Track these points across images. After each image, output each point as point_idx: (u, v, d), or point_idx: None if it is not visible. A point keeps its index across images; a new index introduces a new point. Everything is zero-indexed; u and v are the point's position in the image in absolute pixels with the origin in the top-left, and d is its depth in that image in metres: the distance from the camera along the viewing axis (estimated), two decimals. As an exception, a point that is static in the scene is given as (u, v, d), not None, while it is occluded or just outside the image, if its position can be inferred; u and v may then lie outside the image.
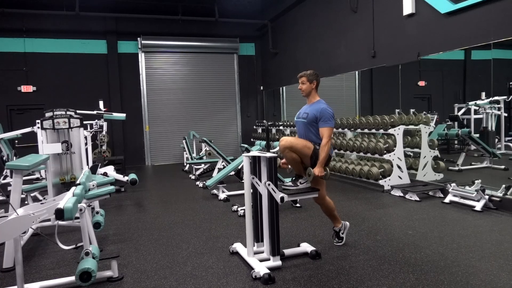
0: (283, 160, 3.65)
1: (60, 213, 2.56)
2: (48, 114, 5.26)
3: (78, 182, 3.60)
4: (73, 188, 3.13)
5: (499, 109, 8.24)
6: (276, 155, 3.09)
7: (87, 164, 6.40)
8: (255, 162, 3.35)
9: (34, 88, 10.15)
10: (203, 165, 8.83)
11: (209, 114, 12.05)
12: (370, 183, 6.56)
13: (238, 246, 3.58)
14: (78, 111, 6.39)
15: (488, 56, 6.28)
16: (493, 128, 8.18)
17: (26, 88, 10.06)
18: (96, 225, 3.86)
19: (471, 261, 3.21)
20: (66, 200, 2.74)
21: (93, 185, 3.99)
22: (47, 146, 4.63)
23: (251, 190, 3.38)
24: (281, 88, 11.72)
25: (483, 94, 8.17)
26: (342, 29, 7.95)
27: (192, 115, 11.88)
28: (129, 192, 7.02)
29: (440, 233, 3.96)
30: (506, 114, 8.44)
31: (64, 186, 4.81)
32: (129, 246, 3.93)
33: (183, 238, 4.15)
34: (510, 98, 8.62)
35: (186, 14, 10.69)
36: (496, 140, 8.18)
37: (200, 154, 9.59)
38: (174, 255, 3.63)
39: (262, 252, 3.40)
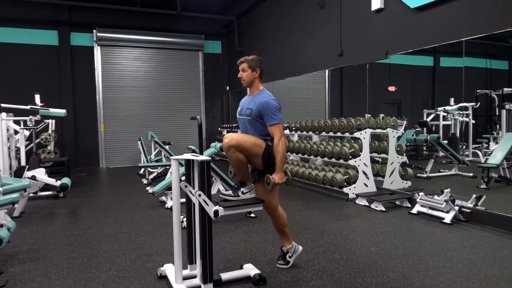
0: None
1: None
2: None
3: (-32, 188, 2.89)
4: None
5: (467, 115, 8.04)
6: (210, 158, 2.49)
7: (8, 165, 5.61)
8: (189, 166, 2.76)
9: (-27, 81, 9.15)
10: (158, 168, 8.12)
11: (171, 114, 11.33)
12: (334, 190, 6.08)
13: (168, 268, 2.95)
14: (4, 105, 5.61)
15: (456, 63, 5.99)
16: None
17: (-37, 80, 9.04)
18: (-4, 242, 3.14)
19: (441, 286, 2.73)
20: None
21: (-4, 192, 3.28)
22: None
23: (182, 201, 2.78)
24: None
25: (452, 100, 7.95)
26: (309, 26, 7.48)
27: (153, 114, 11.13)
28: (68, 198, 6.24)
29: (406, 250, 3.49)
30: (474, 122, 8.25)
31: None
32: (38, 267, 3.22)
33: (108, 256, 3.48)
34: (477, 105, 8.45)
35: (145, 6, 9.96)
36: (464, 147, 7.96)
37: (160, 156, 8.87)
38: (89, 279, 2.96)
39: (195, 276, 2.80)
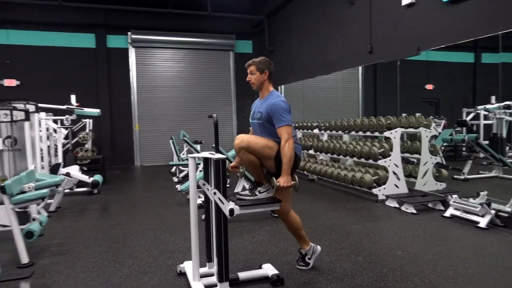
0: (232, 163, 3.07)
1: None
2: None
3: (3, 184, 3.06)
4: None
5: (511, 114, 7.55)
6: (225, 157, 2.49)
7: (44, 162, 5.87)
8: (208, 165, 2.77)
9: (18, 82, 9.69)
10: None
11: (203, 114, 11.37)
12: (364, 191, 5.92)
13: (187, 266, 2.99)
14: (45, 106, 5.92)
15: (499, 59, 5.65)
16: (504, 135, 7.49)
17: (9, 82, 9.60)
18: (28, 235, 3.30)
19: (469, 295, 2.58)
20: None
21: (29, 188, 3.45)
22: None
23: (201, 198, 2.79)
24: (278, 88, 11.13)
25: (493, 98, 7.50)
26: (339, 23, 7.33)
27: (185, 114, 11.33)
28: (102, 194, 6.48)
29: (434, 255, 3.32)
30: (519, 121, 7.74)
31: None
32: (66, 260, 3.36)
33: (132, 251, 3.57)
34: (523, 104, 7.91)
35: (177, 7, 10.14)
36: (507, 147, 7.49)
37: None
38: (111, 273, 3.05)
39: (213, 274, 2.81)
